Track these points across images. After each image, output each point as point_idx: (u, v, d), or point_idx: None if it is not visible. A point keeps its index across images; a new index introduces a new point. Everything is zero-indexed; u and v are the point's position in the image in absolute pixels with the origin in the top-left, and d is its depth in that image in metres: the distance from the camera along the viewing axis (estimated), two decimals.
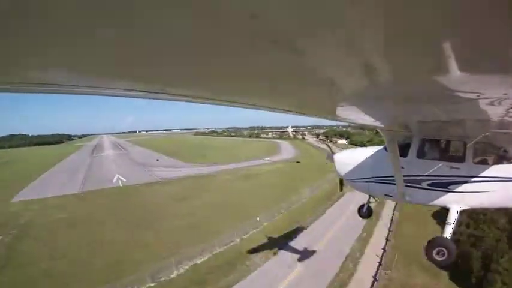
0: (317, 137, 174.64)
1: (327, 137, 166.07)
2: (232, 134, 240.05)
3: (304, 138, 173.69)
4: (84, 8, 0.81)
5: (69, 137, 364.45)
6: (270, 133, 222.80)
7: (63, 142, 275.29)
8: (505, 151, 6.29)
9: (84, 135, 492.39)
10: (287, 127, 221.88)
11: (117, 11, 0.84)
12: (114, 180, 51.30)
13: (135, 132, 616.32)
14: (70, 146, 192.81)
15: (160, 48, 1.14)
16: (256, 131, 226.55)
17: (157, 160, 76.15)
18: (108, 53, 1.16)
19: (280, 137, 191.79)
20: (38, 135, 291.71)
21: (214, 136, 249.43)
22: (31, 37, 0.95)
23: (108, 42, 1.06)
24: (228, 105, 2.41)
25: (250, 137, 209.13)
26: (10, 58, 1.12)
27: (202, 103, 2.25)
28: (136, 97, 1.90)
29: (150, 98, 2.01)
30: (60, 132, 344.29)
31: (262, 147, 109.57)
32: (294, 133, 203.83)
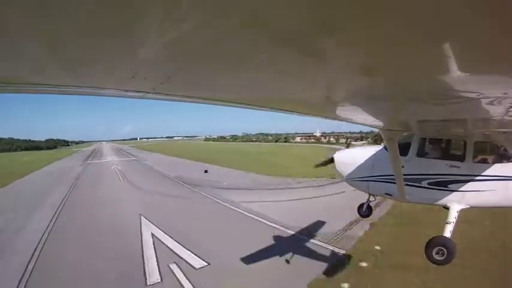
0: (375, 141, 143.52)
1: (376, 140, 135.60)
2: (253, 139, 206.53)
3: (349, 144, 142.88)
4: (83, 7, 0.79)
5: (66, 143, 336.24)
6: (297, 138, 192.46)
7: (56, 147, 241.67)
8: (505, 150, 6.19)
9: (82, 142, 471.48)
10: (313, 133, 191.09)
11: (116, 10, 0.82)
12: (151, 279, 10.52)
13: (136, 139, 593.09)
14: (62, 151, 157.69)
15: (159, 47, 1.11)
16: (283, 136, 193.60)
17: (206, 172, 40.71)
18: (107, 52, 1.14)
19: (318, 141, 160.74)
20: (29, 140, 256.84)
21: (232, 142, 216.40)
22: (29, 37, 0.94)
23: (107, 42, 1.05)
24: (227, 105, 2.34)
25: (276, 141, 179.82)
26: (8, 58, 1.12)
27: (202, 103, 2.19)
28: (135, 97, 1.83)
29: (148, 98, 1.94)
30: (55, 138, 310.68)
31: None
32: (323, 138, 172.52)
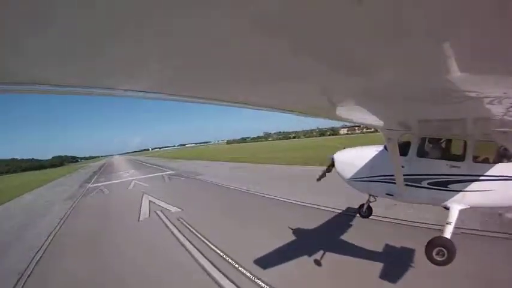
0: None
1: None
2: (292, 136, 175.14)
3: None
4: (82, 5, 0.79)
5: (74, 159, 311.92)
6: (342, 130, 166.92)
7: (62, 165, 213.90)
8: (506, 149, 5.84)
9: (92, 157, 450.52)
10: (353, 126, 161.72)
11: (116, 8, 0.82)
12: None
13: (148, 150, 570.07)
14: (64, 168, 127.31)
15: (161, 46, 1.11)
16: (329, 129, 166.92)
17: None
18: (107, 50, 1.14)
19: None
20: (32, 159, 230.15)
21: (264, 141, 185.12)
22: (27, 36, 0.93)
23: (107, 41, 1.05)
24: (227, 106, 2.40)
25: (322, 135, 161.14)
26: (7, 57, 1.12)
27: (204, 103, 2.25)
28: (136, 97, 1.82)
29: (149, 99, 1.94)
30: (63, 155, 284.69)
31: None
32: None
